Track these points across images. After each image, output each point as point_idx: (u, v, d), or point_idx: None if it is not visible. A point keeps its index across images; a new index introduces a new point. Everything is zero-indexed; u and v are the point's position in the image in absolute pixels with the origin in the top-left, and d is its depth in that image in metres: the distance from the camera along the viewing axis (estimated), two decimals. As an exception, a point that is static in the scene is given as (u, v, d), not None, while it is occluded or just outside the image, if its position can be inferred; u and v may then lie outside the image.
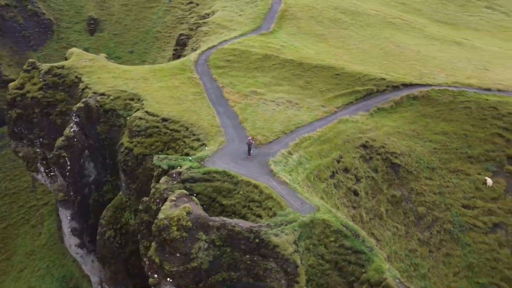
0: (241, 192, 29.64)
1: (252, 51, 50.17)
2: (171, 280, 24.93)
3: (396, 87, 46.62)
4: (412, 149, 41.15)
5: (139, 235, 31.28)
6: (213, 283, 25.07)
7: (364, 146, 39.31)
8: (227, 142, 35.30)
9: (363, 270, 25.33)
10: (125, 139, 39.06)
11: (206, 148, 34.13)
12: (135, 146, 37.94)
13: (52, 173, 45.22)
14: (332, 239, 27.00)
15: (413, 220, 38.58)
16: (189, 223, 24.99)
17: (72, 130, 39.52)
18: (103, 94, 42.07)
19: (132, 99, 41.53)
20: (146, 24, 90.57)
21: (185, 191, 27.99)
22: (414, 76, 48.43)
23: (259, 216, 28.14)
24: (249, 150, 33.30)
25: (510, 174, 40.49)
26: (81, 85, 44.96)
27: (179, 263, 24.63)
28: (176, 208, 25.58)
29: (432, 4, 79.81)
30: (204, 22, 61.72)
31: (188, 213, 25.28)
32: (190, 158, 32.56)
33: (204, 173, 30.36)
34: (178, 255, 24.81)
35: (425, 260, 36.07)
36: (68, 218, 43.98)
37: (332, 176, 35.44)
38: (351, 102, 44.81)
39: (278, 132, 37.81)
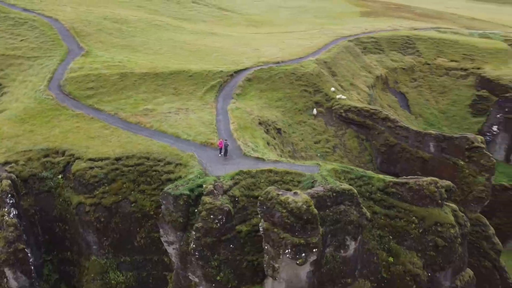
0: (263, 180, 34.73)
1: (104, 73, 47.56)
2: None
3: (231, 75, 57.14)
4: (275, 116, 54.19)
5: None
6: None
7: (260, 123, 49.15)
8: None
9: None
10: (79, 198, 32.99)
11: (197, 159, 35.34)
12: (102, 198, 33.17)
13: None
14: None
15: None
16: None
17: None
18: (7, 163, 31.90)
19: (51, 155, 33.90)
20: None
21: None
22: (234, 63, 60.08)
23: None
24: (226, 151, 37.06)
25: (322, 113, 60.54)
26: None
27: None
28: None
29: (158, 4, 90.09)
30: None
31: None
32: (192, 176, 33.63)
33: (231, 178, 33.21)
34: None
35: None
36: None
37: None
38: (216, 95, 52.38)
39: (210, 133, 42.06)
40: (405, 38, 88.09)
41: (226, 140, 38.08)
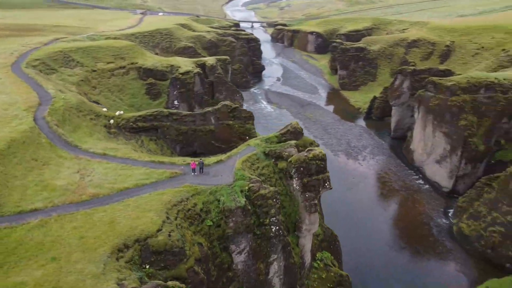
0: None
1: None
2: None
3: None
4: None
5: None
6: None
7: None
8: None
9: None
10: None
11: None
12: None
13: None
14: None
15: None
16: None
17: None
18: None
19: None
20: None
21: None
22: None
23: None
24: (201, 168, 39.67)
25: (115, 133, 59.93)
26: None
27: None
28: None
29: None
30: None
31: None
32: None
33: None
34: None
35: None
36: None
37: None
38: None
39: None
40: (60, 53, 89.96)
41: (201, 159, 39.92)
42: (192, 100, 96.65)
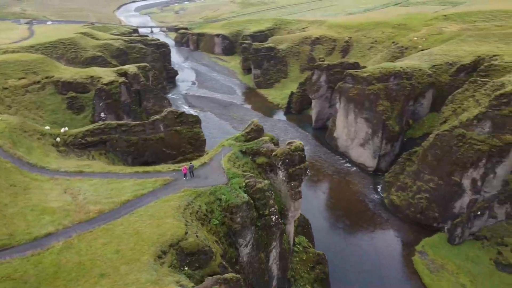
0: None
1: None
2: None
3: None
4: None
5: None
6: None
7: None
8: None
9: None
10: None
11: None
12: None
13: None
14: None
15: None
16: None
17: None
18: None
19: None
20: None
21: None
22: None
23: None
24: (191, 172, 40.26)
25: (64, 151, 55.97)
26: None
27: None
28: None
29: None
30: None
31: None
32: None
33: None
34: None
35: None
36: None
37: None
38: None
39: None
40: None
41: (191, 163, 40.15)
42: (120, 110, 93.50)
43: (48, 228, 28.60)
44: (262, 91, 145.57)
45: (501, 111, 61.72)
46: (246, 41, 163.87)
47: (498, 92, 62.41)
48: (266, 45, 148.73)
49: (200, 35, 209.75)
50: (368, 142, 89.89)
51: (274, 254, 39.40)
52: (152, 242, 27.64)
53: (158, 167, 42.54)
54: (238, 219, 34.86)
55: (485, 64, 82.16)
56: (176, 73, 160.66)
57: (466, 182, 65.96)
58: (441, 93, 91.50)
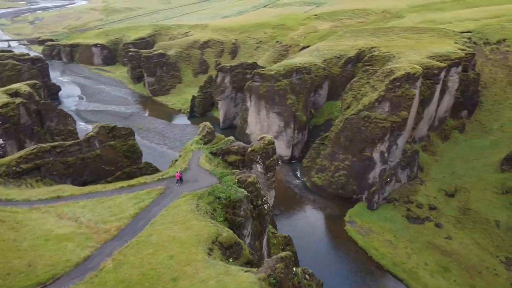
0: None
1: None
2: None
3: None
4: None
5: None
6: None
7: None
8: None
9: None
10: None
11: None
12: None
13: None
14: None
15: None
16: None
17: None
18: None
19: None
20: None
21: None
22: None
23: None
24: (181, 179, 40.88)
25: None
26: None
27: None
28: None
29: None
30: None
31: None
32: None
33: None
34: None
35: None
36: None
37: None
38: None
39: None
40: None
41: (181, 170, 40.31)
42: (21, 134, 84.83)
43: (84, 252, 27.71)
44: (160, 99, 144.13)
45: (395, 93, 74.84)
46: (131, 49, 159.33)
47: (392, 77, 75.49)
48: (156, 52, 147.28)
49: (74, 46, 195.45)
50: (281, 134, 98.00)
51: (265, 241, 43.03)
52: (195, 243, 29.05)
53: (141, 179, 42.29)
54: (242, 212, 37.70)
55: (367, 56, 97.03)
56: (59, 88, 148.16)
57: (376, 156, 78.05)
58: (334, 84, 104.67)
